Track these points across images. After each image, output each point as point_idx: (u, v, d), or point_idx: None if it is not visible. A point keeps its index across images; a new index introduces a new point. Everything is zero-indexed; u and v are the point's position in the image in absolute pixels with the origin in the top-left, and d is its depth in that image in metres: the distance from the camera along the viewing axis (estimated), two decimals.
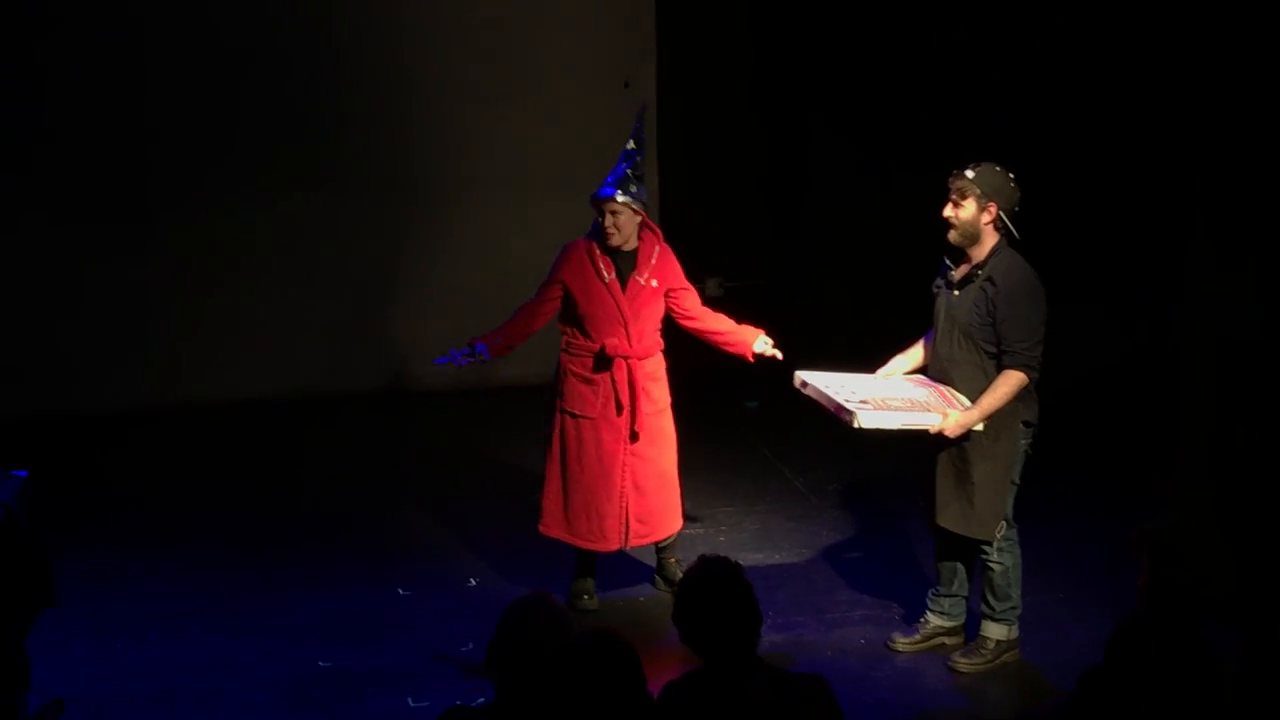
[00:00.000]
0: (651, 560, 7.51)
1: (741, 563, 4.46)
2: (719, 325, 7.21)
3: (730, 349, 7.21)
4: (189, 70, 9.89)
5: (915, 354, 6.76)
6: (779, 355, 7.15)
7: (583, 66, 10.38)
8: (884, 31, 9.84)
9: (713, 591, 4.32)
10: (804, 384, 6.66)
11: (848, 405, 6.36)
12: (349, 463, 9.31)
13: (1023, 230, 6.45)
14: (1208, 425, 7.46)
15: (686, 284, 7.19)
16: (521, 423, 9.72)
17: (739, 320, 7.29)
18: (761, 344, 7.16)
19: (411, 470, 9.18)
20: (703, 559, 4.47)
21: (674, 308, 7.15)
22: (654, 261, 7.05)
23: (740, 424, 9.72)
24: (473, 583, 7.59)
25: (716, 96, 10.47)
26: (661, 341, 7.19)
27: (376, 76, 10.15)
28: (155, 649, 6.91)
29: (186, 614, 7.22)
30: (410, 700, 6.44)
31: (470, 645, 6.77)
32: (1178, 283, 7.79)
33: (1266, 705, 3.38)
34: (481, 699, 6.04)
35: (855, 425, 6.33)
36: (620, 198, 6.92)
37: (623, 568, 7.55)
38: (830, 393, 6.49)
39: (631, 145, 7.07)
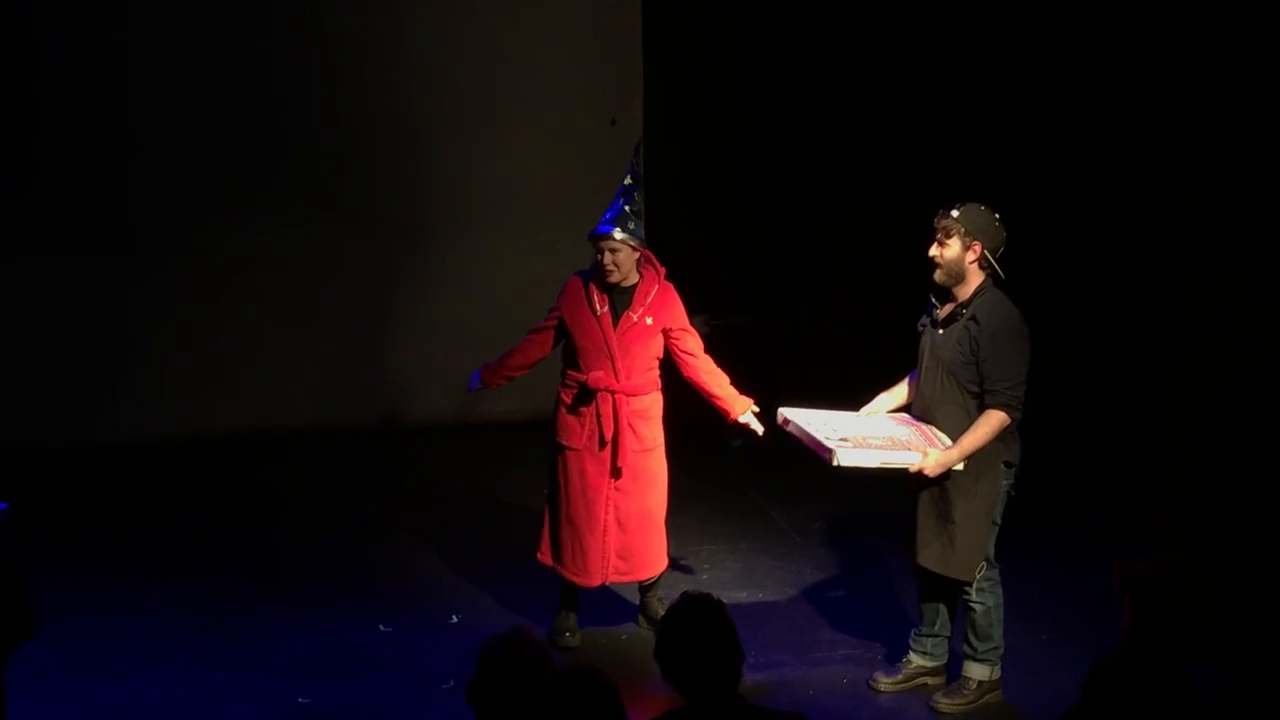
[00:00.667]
0: (635, 598, 7.48)
1: (724, 601, 4.45)
2: (716, 383, 7.19)
3: (717, 404, 7.22)
4: (177, 103, 9.90)
5: (900, 392, 6.77)
6: (759, 431, 7.17)
7: (570, 101, 10.40)
8: (873, 68, 9.87)
9: (695, 629, 4.30)
10: (786, 421, 6.67)
11: (827, 443, 6.37)
12: (332, 498, 9.28)
13: (1011, 265, 6.46)
14: (1192, 466, 7.45)
15: (688, 326, 7.17)
16: (506, 459, 9.72)
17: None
18: (748, 415, 7.19)
19: (394, 506, 9.15)
20: (685, 596, 4.46)
21: (674, 348, 7.14)
22: (651, 299, 7.05)
23: (725, 462, 9.71)
24: (454, 619, 7.56)
25: (703, 132, 10.49)
26: (658, 381, 7.16)
27: (365, 110, 10.16)
28: (135, 683, 6.86)
29: (166, 648, 7.18)
30: None
31: (451, 682, 6.74)
32: (1164, 322, 7.80)
33: None
34: None
35: (834, 463, 6.33)
36: (619, 235, 6.93)
37: (605, 605, 7.53)
38: (811, 430, 6.50)
39: (629, 181, 7.09)
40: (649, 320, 7.04)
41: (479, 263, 10.41)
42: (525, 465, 9.48)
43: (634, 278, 7.03)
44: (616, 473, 7.04)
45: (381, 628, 7.45)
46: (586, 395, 7.01)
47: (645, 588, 7.37)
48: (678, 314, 7.14)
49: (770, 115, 10.52)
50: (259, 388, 10.21)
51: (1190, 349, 7.40)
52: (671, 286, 7.15)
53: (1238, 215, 7.01)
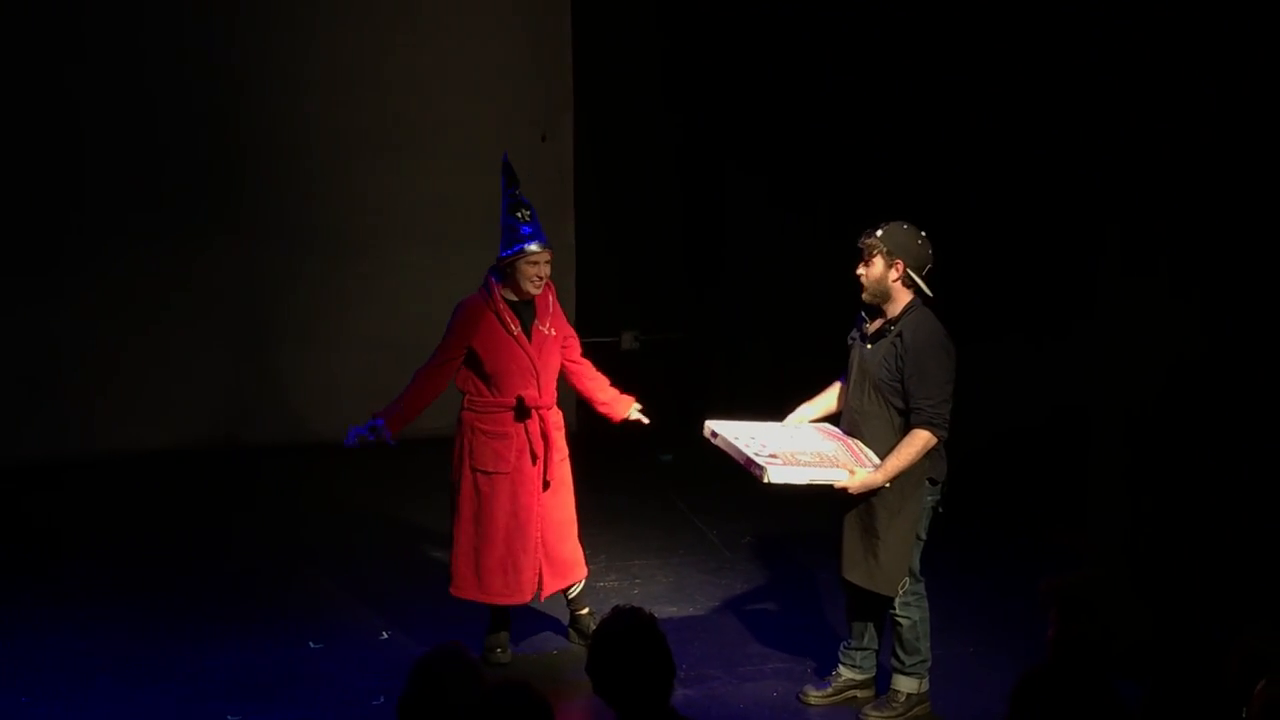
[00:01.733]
0: (563, 613, 7.49)
1: (655, 615, 4.47)
2: (600, 387, 7.28)
3: (600, 408, 7.31)
4: (100, 123, 9.85)
5: (824, 402, 6.81)
6: (645, 420, 7.27)
7: (501, 117, 10.41)
8: (802, 85, 9.94)
9: (626, 643, 4.32)
10: (714, 434, 6.68)
11: (757, 459, 6.39)
12: (260, 515, 9.24)
13: (938, 281, 6.52)
14: (1117, 480, 7.54)
15: (572, 330, 7.25)
16: (435, 475, 9.68)
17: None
18: (634, 412, 7.28)
19: (324, 522, 9.12)
20: (617, 610, 4.47)
21: (563, 355, 7.18)
22: (551, 309, 7.07)
23: (655, 476, 9.74)
24: (384, 635, 7.54)
25: (634, 149, 10.54)
26: (555, 391, 7.20)
27: (293, 127, 10.15)
28: (64, 701, 6.80)
29: (96, 667, 7.13)
30: None
31: (382, 699, 6.72)
32: (1089, 336, 7.89)
33: None
34: None
35: (765, 480, 6.35)
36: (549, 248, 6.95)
37: (535, 621, 7.54)
38: (740, 445, 6.52)
39: (519, 191, 7.05)
40: (552, 331, 7.06)
41: (408, 278, 10.40)
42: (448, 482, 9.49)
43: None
44: (546, 485, 7.05)
45: (311, 644, 7.42)
46: (519, 414, 7.00)
47: (572, 599, 7.37)
48: (565, 319, 7.20)
49: (700, 132, 10.58)
50: (185, 406, 10.16)
51: (1114, 361, 7.48)
52: (555, 297, 7.16)
53: (1160, 225, 7.10)
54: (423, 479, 9.63)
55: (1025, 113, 8.72)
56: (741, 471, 6.55)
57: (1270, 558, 6.72)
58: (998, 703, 3.97)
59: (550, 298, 7.08)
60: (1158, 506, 7.25)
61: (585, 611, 7.39)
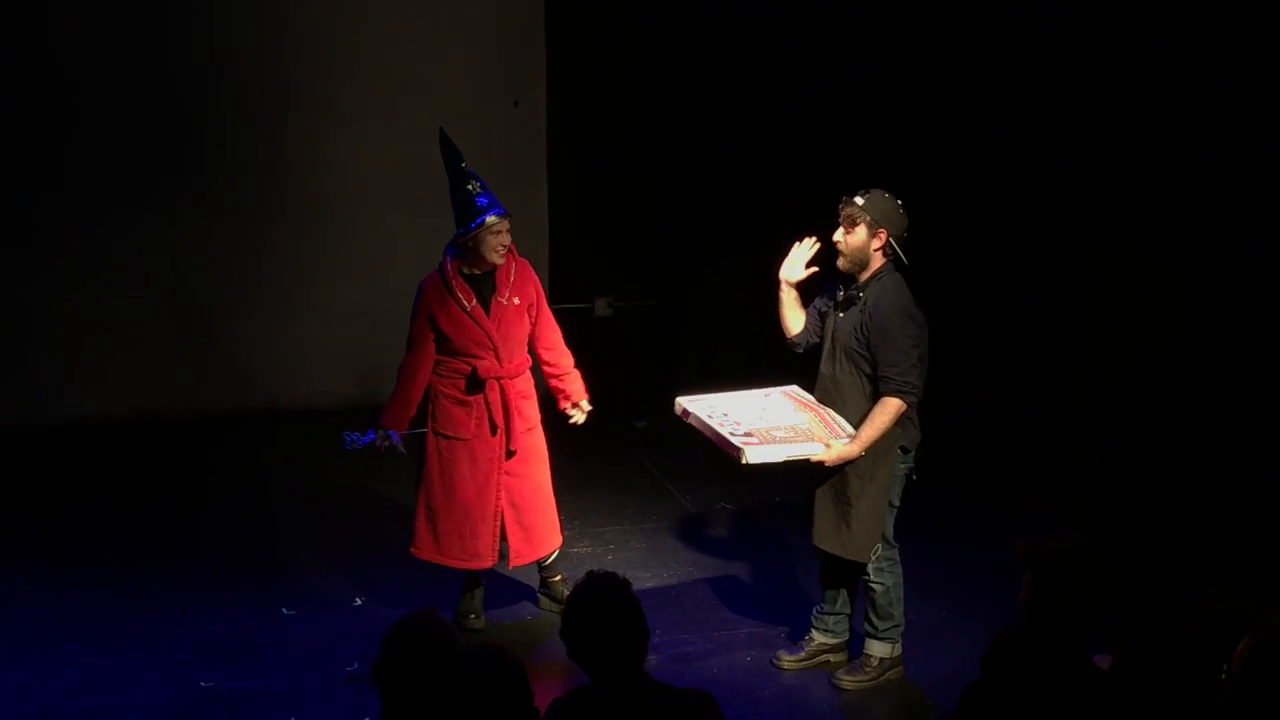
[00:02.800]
0: (536, 580, 7.50)
1: (630, 580, 4.48)
2: (558, 361, 7.23)
3: (552, 383, 7.28)
4: (72, 94, 9.78)
5: (799, 312, 6.76)
6: (578, 421, 7.25)
7: (472, 85, 10.36)
8: (774, 52, 9.92)
9: (600, 607, 4.32)
10: (685, 412, 6.68)
11: (733, 439, 6.39)
12: (230, 483, 9.21)
13: (923, 245, 6.52)
14: (1088, 448, 7.57)
15: (545, 301, 7.22)
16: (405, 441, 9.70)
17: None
18: (576, 412, 7.25)
19: (294, 490, 9.09)
20: (591, 575, 4.48)
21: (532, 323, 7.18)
22: (513, 279, 7.05)
23: (629, 443, 9.74)
24: (358, 602, 7.55)
25: (606, 116, 10.50)
26: (529, 358, 7.19)
27: (266, 93, 10.08)
28: (33, 669, 6.80)
29: (66, 634, 7.12)
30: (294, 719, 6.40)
31: (356, 665, 6.72)
32: (1063, 306, 7.91)
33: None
34: (367, 718, 6.01)
35: (743, 461, 6.36)
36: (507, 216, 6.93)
37: (509, 587, 7.55)
38: (714, 424, 6.51)
39: (465, 165, 7.01)
40: (516, 300, 7.04)
41: (381, 245, 10.36)
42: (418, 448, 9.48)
43: None
44: (510, 455, 7.05)
45: (284, 611, 7.42)
46: (473, 384, 6.99)
47: (544, 566, 7.39)
48: (538, 286, 7.17)
49: (673, 98, 10.55)
50: (156, 372, 10.11)
51: (1087, 329, 7.51)
52: (526, 261, 7.14)
53: (1134, 196, 7.11)
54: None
55: (998, 81, 8.72)
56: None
57: (1237, 524, 6.76)
58: (970, 666, 3.99)
59: (512, 266, 7.06)
60: (1128, 474, 7.29)
61: (558, 578, 7.41)
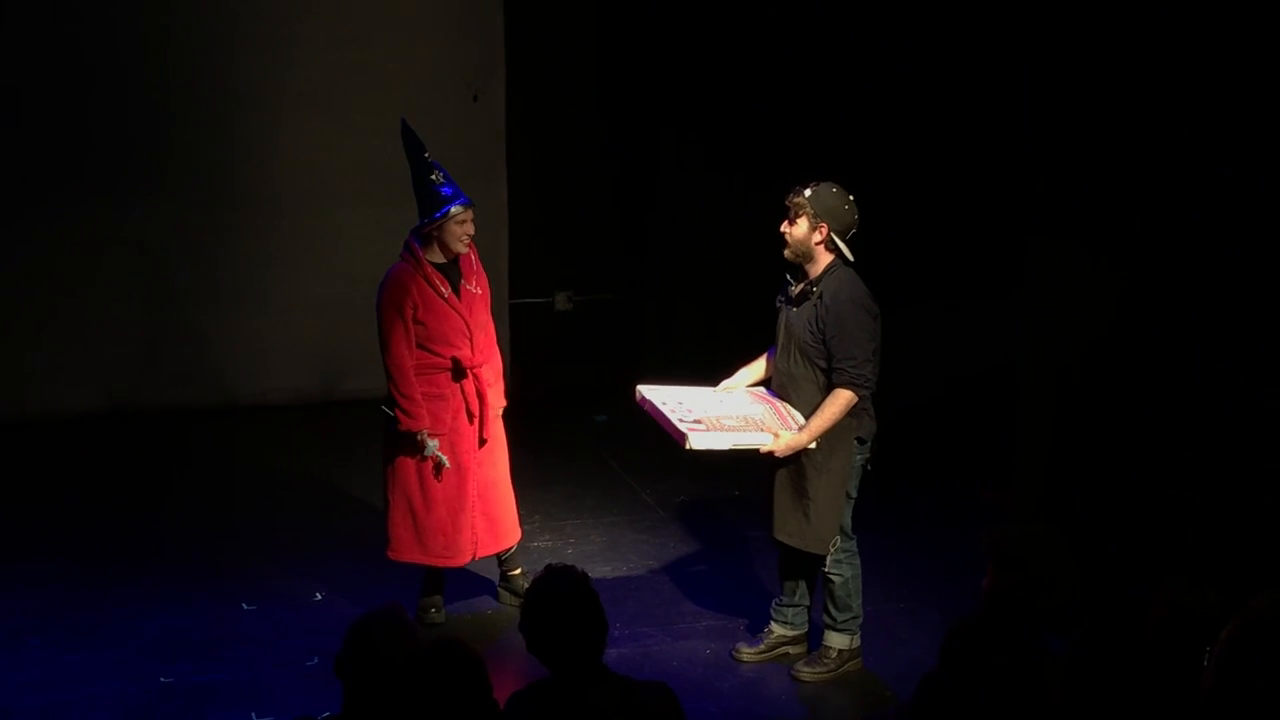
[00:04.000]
0: (495, 574, 7.51)
1: (589, 574, 4.50)
2: (490, 364, 7.15)
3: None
4: (29, 81, 9.73)
5: (759, 367, 6.85)
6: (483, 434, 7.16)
7: (431, 79, 10.35)
8: (733, 45, 9.96)
9: (559, 600, 4.34)
10: (643, 400, 6.70)
11: (680, 425, 6.41)
12: (190, 477, 9.20)
13: (866, 241, 6.55)
14: (1043, 439, 7.63)
15: (489, 293, 7.21)
16: (367, 436, 9.67)
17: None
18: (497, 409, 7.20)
19: (254, 485, 9.08)
20: (549, 568, 4.49)
21: None
22: (475, 267, 7.07)
23: (589, 437, 9.76)
24: (318, 597, 7.54)
25: (565, 109, 10.52)
26: (493, 345, 7.20)
27: (222, 87, 10.05)
28: None
29: (26, 629, 7.11)
30: (254, 715, 6.39)
31: (316, 659, 6.73)
32: (1017, 295, 7.97)
33: (1091, 710, 3.49)
34: (327, 713, 6.01)
35: (687, 446, 6.37)
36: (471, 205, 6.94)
37: (467, 582, 7.55)
38: (667, 411, 6.53)
39: (429, 155, 6.99)
40: (478, 289, 7.05)
41: (338, 239, 10.34)
42: (379, 442, 9.46)
43: None
44: (482, 443, 7.06)
45: (244, 606, 7.41)
46: (455, 374, 6.98)
47: (505, 561, 7.39)
48: (487, 284, 7.17)
49: (632, 92, 10.57)
50: (114, 367, 10.08)
51: (1041, 320, 7.56)
52: (475, 249, 7.12)
53: (1086, 186, 7.17)
54: (351, 441, 9.64)
55: (952, 73, 8.76)
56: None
57: (1192, 516, 6.82)
58: (929, 656, 4.02)
59: (473, 256, 7.06)
60: (1083, 465, 7.35)
61: (518, 572, 7.42)
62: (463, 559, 7.16)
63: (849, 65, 9.36)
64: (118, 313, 10.08)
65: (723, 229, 10.06)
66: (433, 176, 6.91)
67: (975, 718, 3.78)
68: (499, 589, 7.50)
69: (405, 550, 7.12)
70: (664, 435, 6.59)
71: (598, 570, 7.59)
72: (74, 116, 9.83)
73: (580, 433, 9.76)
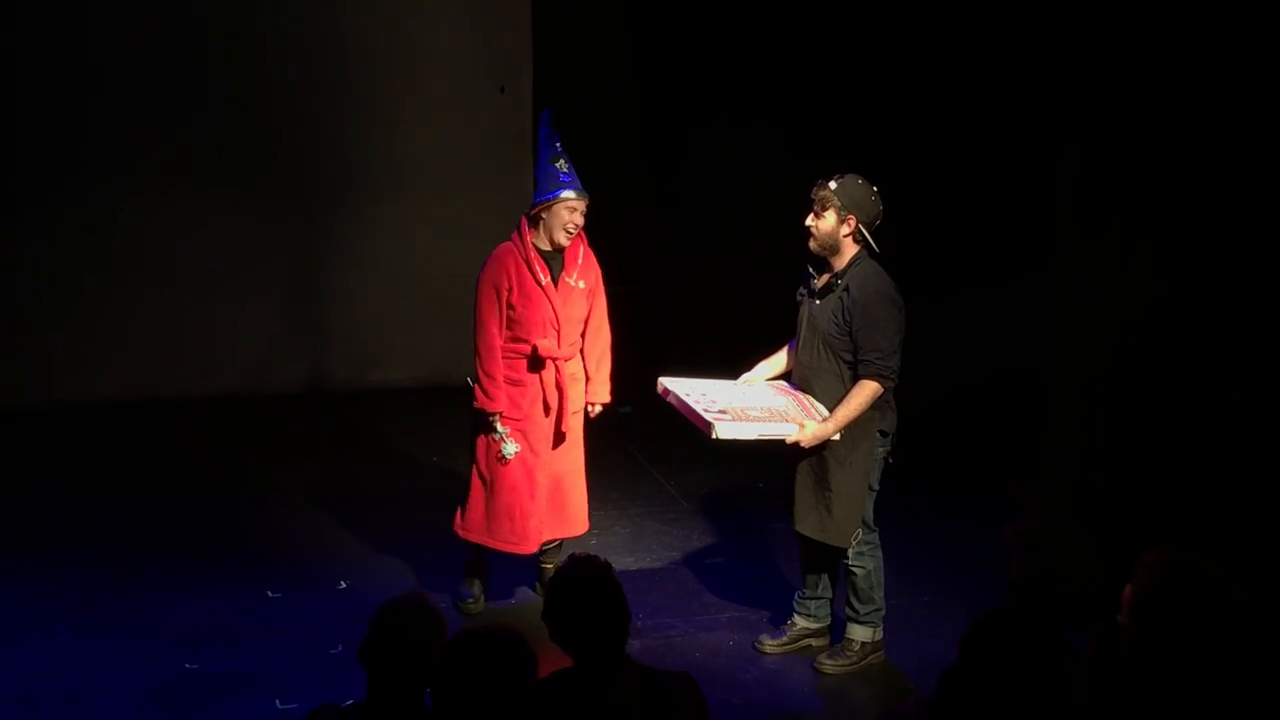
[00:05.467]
0: (534, 566, 7.50)
1: (613, 565, 4.50)
2: (591, 356, 7.18)
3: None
4: (65, 62, 9.77)
5: (779, 360, 6.84)
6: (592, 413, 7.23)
7: (460, 69, 10.37)
8: (759, 40, 9.94)
9: (582, 590, 4.35)
10: (666, 391, 6.70)
11: (706, 415, 6.41)
12: (216, 465, 9.23)
13: (891, 233, 6.54)
14: (1069, 436, 7.60)
15: (602, 291, 7.17)
16: (396, 425, 9.73)
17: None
18: (595, 406, 7.23)
19: (279, 473, 9.10)
20: (573, 558, 4.50)
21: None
22: (580, 262, 7.04)
23: (614, 428, 9.75)
24: (343, 585, 7.56)
25: (592, 101, 10.51)
26: (581, 342, 7.17)
27: (253, 81, 10.08)
28: (18, 650, 6.80)
29: (52, 615, 7.13)
30: (278, 702, 6.41)
31: (340, 647, 6.75)
32: (1044, 289, 7.94)
33: (1113, 707, 3.48)
34: (350, 701, 6.02)
35: (713, 436, 6.37)
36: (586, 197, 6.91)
37: (507, 570, 7.53)
38: (691, 401, 6.54)
39: (559, 144, 6.98)
40: (581, 284, 7.03)
41: (366, 230, 10.38)
42: (415, 431, 9.51)
43: None
44: (560, 438, 7.06)
45: (269, 594, 7.43)
46: (533, 364, 6.97)
47: (545, 552, 7.35)
48: (599, 276, 7.13)
49: (661, 84, 10.56)
50: (143, 354, 10.13)
51: (1068, 316, 7.53)
52: (592, 251, 7.10)
53: (1117, 180, 7.12)
54: (379, 430, 9.68)
55: (980, 62, 8.73)
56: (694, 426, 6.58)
57: (1222, 512, 6.79)
58: (951, 650, 4.01)
59: (580, 249, 7.04)
60: (1109, 461, 7.32)
61: (550, 565, 7.39)
62: (526, 547, 7.14)
63: (874, 55, 9.32)
64: (149, 302, 10.11)
65: (747, 221, 10.04)
66: (558, 163, 6.92)
67: (995, 712, 3.78)
68: (536, 584, 7.48)
69: (474, 530, 7.13)
70: (688, 427, 6.59)
71: (621, 561, 7.59)
72: (104, 104, 9.87)
73: (605, 424, 9.73)
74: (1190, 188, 6.84)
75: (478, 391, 6.95)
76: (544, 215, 6.91)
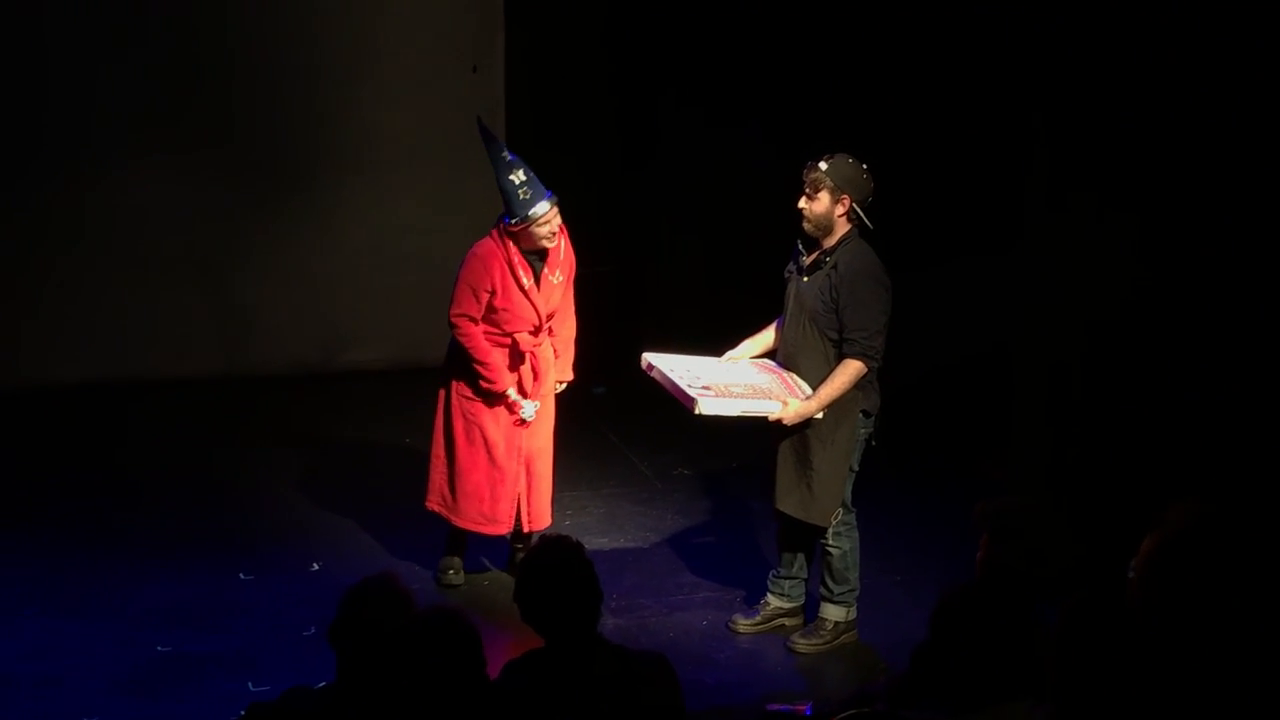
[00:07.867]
0: (502, 544, 7.50)
1: (587, 545, 4.50)
2: (558, 340, 7.22)
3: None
4: (20, 49, 9.70)
5: (764, 338, 6.84)
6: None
7: (432, 48, 10.32)
8: (736, 11, 9.90)
9: (553, 571, 4.34)
10: (650, 366, 6.70)
11: (689, 390, 6.42)
12: (190, 446, 9.18)
13: (873, 211, 6.54)
14: (1040, 415, 7.62)
15: (574, 271, 7.19)
16: (368, 407, 9.70)
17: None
18: (558, 384, 7.26)
19: (252, 455, 9.06)
20: (544, 539, 4.51)
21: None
22: (562, 256, 7.05)
23: (587, 409, 9.75)
24: (315, 567, 7.54)
25: (566, 80, 10.47)
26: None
27: (221, 58, 10.00)
28: None
29: (22, 598, 7.10)
30: (250, 684, 6.38)
31: (312, 629, 6.72)
32: (1015, 269, 7.95)
33: (1083, 682, 3.49)
34: (323, 683, 6.01)
35: (696, 411, 6.38)
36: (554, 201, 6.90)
37: (489, 546, 7.52)
38: (674, 377, 6.54)
39: (508, 156, 6.95)
40: (560, 277, 7.05)
41: (338, 210, 10.33)
42: (388, 413, 9.47)
43: None
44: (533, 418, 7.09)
45: (242, 576, 7.41)
46: (513, 355, 7.01)
47: (517, 539, 7.36)
48: (572, 263, 7.15)
49: (634, 61, 10.52)
50: (113, 336, 10.06)
51: (1039, 295, 7.54)
52: (569, 239, 7.11)
53: (1086, 157, 7.12)
54: (352, 411, 9.64)
55: (955, 37, 8.71)
56: (674, 404, 6.58)
57: (1190, 491, 6.79)
58: (923, 630, 4.02)
59: (563, 241, 7.04)
60: (1080, 440, 7.33)
61: (521, 547, 7.38)
62: (497, 529, 7.17)
63: (851, 30, 9.29)
64: (116, 284, 10.05)
65: (727, 196, 10.02)
66: (512, 177, 6.86)
67: (964, 686, 3.79)
68: (508, 564, 7.47)
69: (439, 503, 7.17)
70: (666, 405, 6.59)
71: (595, 542, 7.58)
72: (71, 84, 9.78)
73: (578, 405, 9.73)
74: (1160, 164, 6.84)
75: (483, 384, 6.97)
76: (519, 231, 6.90)
